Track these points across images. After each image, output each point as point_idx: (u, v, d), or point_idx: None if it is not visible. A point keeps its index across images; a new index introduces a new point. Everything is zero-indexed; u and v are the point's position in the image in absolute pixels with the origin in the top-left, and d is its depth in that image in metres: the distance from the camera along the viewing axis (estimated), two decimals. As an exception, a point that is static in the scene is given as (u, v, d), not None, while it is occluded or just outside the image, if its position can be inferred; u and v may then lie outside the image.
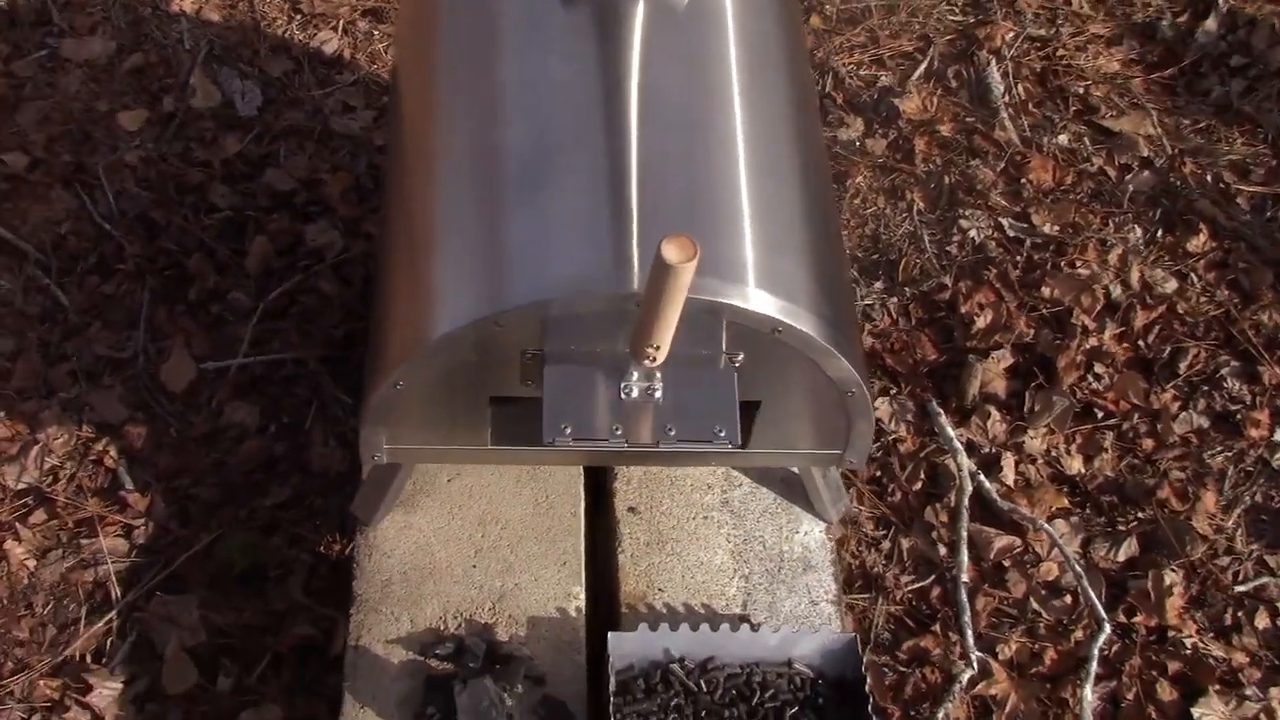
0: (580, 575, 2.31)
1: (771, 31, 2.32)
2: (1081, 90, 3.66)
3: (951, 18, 3.83)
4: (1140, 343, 3.15)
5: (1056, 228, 3.34)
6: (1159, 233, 3.36)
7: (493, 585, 2.30)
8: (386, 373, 2.00)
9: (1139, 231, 3.36)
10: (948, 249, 3.31)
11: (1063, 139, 3.54)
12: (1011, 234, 3.34)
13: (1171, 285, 3.25)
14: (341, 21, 3.59)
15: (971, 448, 2.95)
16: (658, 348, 1.76)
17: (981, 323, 3.14)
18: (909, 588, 2.77)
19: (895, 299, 3.22)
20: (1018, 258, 3.28)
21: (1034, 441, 2.98)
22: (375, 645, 2.21)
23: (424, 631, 2.24)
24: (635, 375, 1.89)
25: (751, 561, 2.38)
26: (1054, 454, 2.98)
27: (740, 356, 1.98)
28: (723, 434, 1.87)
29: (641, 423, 1.88)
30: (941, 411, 2.95)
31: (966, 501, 2.82)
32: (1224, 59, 3.76)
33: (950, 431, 2.91)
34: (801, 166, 2.19)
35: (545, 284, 1.89)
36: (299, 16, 3.58)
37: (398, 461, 2.20)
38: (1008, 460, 2.95)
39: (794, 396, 2.09)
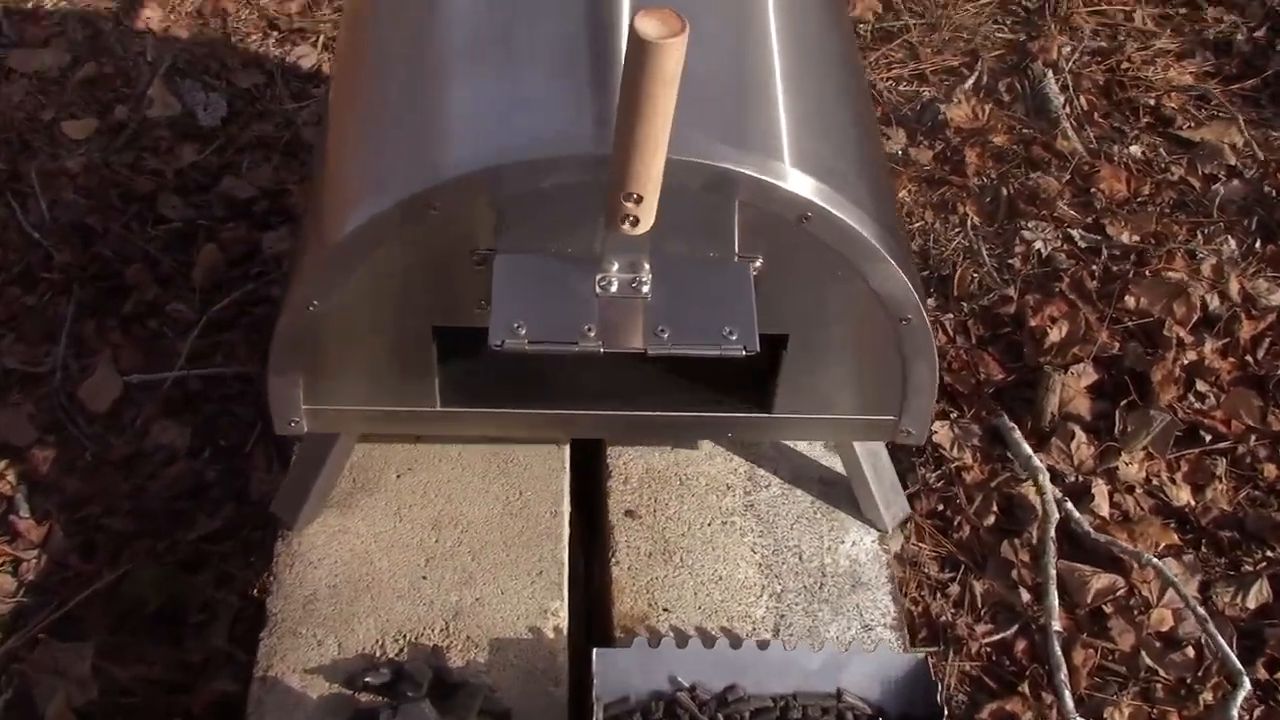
0: (561, 588, 1.78)
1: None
2: (1152, 101, 3.24)
3: (1000, 34, 3.44)
4: (1249, 357, 2.63)
5: (1136, 237, 2.87)
6: (1257, 243, 2.89)
7: (446, 600, 1.77)
8: (296, 290, 1.53)
9: (1233, 242, 2.88)
10: (1009, 262, 2.83)
11: (1135, 150, 3.10)
12: (1084, 244, 2.86)
13: (1278, 297, 2.74)
14: (321, 36, 3.24)
15: (1054, 476, 2.41)
16: (638, 200, 1.28)
17: (1056, 336, 2.63)
18: (987, 640, 2.21)
19: (951, 315, 2.73)
20: (1093, 268, 2.79)
21: (1130, 468, 2.44)
22: (289, 676, 1.68)
23: (355, 658, 1.72)
24: (615, 265, 1.41)
25: (785, 576, 1.84)
26: (1155, 482, 2.44)
27: (758, 261, 1.49)
28: (734, 336, 1.38)
29: (623, 321, 1.39)
30: (1015, 427, 2.43)
31: (1053, 533, 2.28)
32: (1312, 71, 3.33)
33: (1028, 449, 2.38)
34: (841, 63, 1.75)
35: (495, 149, 1.43)
36: (276, 32, 3.25)
37: (323, 430, 1.71)
38: (1099, 489, 2.41)
39: (831, 328, 1.60)
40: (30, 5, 3.19)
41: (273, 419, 1.68)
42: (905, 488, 2.38)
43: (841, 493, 1.95)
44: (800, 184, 1.46)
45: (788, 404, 1.70)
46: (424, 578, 1.80)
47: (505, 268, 1.43)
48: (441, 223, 1.46)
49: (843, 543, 1.89)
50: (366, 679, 1.66)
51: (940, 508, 2.41)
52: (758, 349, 1.39)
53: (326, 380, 1.64)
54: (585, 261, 1.42)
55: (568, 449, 1.96)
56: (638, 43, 1.14)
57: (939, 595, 2.27)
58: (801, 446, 2.01)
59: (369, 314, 1.56)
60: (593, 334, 1.37)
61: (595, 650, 1.60)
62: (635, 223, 1.31)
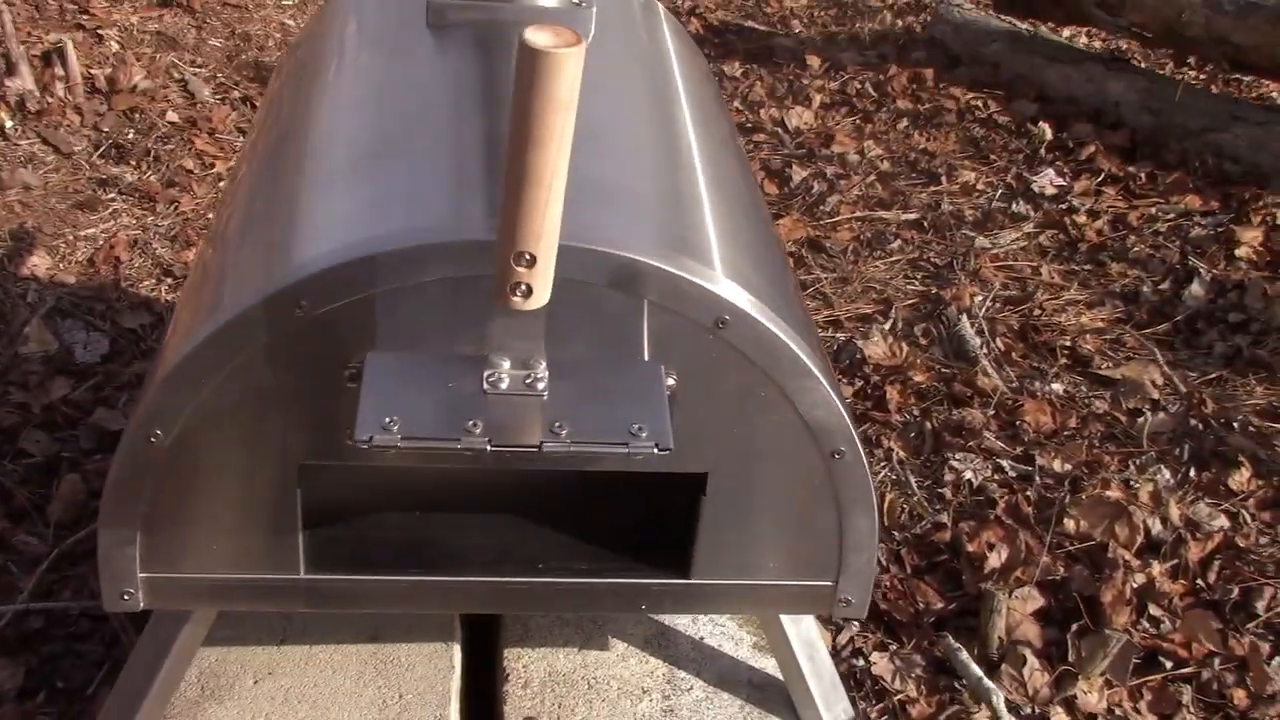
0: (443, 805, 1.47)
1: (679, 73, 1.86)
2: (1068, 343, 3.21)
3: (911, 286, 3.43)
4: (1199, 581, 2.46)
5: (1068, 465, 2.75)
6: (1191, 470, 2.77)
7: (303, 821, 1.45)
8: (136, 418, 1.31)
9: (1167, 471, 2.76)
10: (939, 492, 2.68)
11: (1057, 386, 3.03)
12: (1014, 473, 2.73)
13: (1221, 522, 2.61)
14: (217, 281, 3.11)
15: (1008, 707, 2.17)
16: (530, 261, 1.12)
17: (995, 561, 2.45)
18: None
19: (882, 545, 2.54)
20: (1028, 494, 2.64)
21: (1089, 696, 2.21)
22: None
23: None
24: (506, 361, 1.22)
25: (711, 791, 1.56)
26: (1119, 712, 2.20)
27: (671, 379, 1.32)
28: (644, 433, 1.18)
29: (515, 417, 1.19)
30: (962, 648, 2.20)
31: (1014, 766, 2.01)
32: (1219, 317, 3.35)
33: (978, 670, 2.14)
34: (752, 192, 1.65)
35: (369, 239, 1.27)
36: (170, 279, 3.12)
37: (163, 605, 1.45)
38: (1059, 719, 2.16)
39: (754, 466, 1.41)
40: (-91, 250, 3.05)
41: (102, 590, 1.42)
42: (844, 723, 2.12)
43: (775, 696, 1.69)
44: (717, 284, 1.31)
45: (708, 567, 1.47)
46: (277, 796, 1.48)
47: (378, 364, 1.24)
48: (309, 327, 1.27)
49: (779, 750, 1.62)
50: None
51: (886, 746, 2.13)
52: (671, 447, 1.19)
53: (169, 540, 1.39)
54: (473, 359, 1.23)
55: (457, 649, 1.69)
56: (529, 56, 1.01)
57: (892, 843, 1.97)
58: (727, 646, 1.76)
59: (221, 450, 1.34)
60: (479, 430, 1.17)
61: None
62: (528, 294, 1.14)
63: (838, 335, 3.20)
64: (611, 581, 1.49)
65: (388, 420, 1.16)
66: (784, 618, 1.62)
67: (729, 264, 1.37)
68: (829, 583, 1.50)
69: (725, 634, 1.78)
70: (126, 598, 1.42)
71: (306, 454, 1.36)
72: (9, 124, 3.52)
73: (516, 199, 1.08)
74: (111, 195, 3.39)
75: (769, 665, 1.71)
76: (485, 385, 1.21)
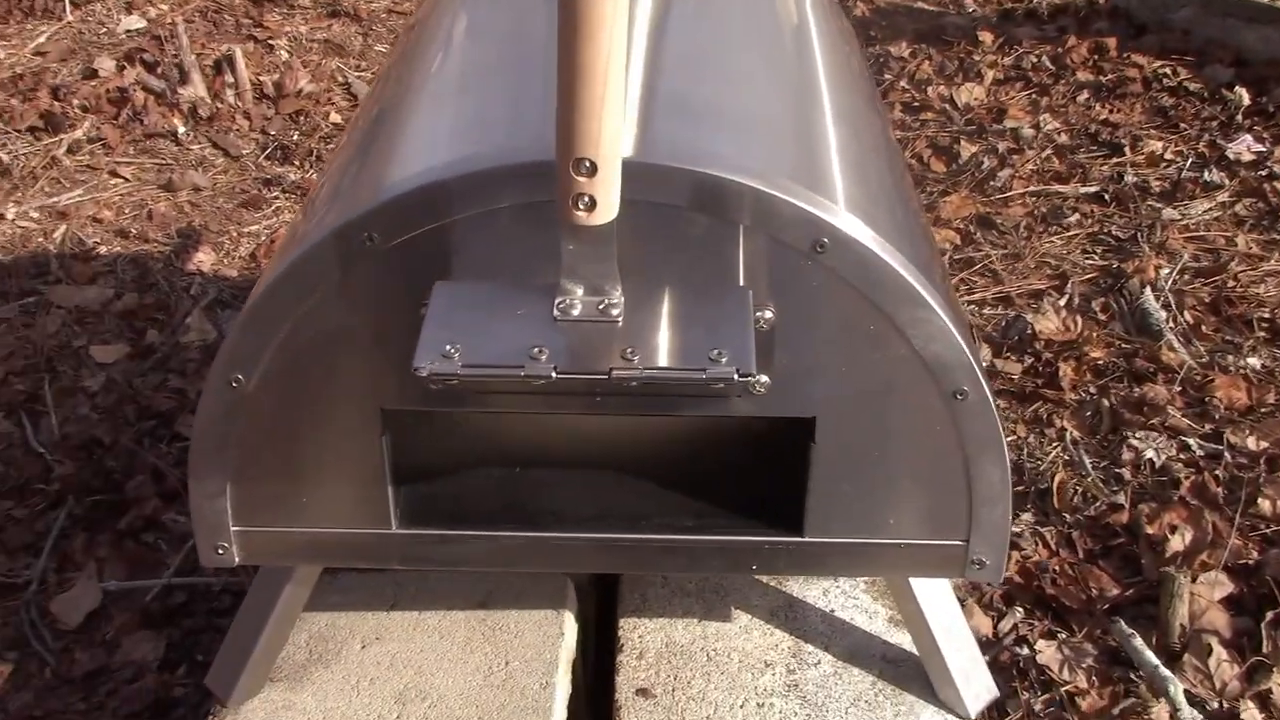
0: (544, 771, 1.39)
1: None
2: (1268, 315, 2.92)
3: (1089, 261, 3.21)
4: None
5: (1264, 444, 2.49)
6: None
7: (400, 786, 1.39)
8: (218, 363, 1.28)
9: (1387, 452, 2.48)
10: (1117, 472, 2.46)
11: (1254, 361, 2.76)
12: (1202, 453, 2.49)
13: None
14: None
15: (1192, 701, 1.96)
16: (590, 170, 1.03)
17: (1179, 544, 2.24)
18: None
19: (1052, 528, 2.35)
20: (1217, 473, 2.41)
21: (1287, 690, 1.97)
22: None
23: None
24: (578, 287, 1.14)
25: (836, 770, 1.43)
26: (1322, 709, 1.96)
27: (768, 312, 1.21)
28: (724, 357, 1.07)
29: (584, 344, 1.10)
30: (1135, 634, 2.00)
31: (1195, 763, 1.81)
32: None
33: (1154, 658, 1.94)
34: (859, 111, 1.52)
35: (438, 166, 1.21)
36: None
37: (257, 560, 1.41)
38: (1250, 715, 1.94)
39: (867, 410, 1.28)
40: (87, 248, 3.17)
41: (197, 544, 1.39)
42: (1004, 715, 1.95)
43: (910, 672, 1.55)
44: (814, 204, 1.19)
45: (823, 524, 1.35)
46: (376, 760, 1.43)
47: (444, 292, 1.17)
48: (381, 261, 1.21)
49: (913, 730, 1.48)
50: None
51: (1051, 739, 1.95)
52: (753, 372, 1.08)
53: (259, 492, 1.36)
54: (545, 287, 1.15)
55: (568, 616, 1.61)
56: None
57: (1056, 843, 1.79)
58: (860, 620, 1.63)
59: (303, 394, 1.30)
60: (544, 357, 1.08)
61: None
62: (590, 206, 1.05)
63: (1007, 311, 3.01)
64: (719, 539, 1.38)
65: (448, 348, 1.09)
66: (916, 586, 1.49)
67: (833, 184, 1.26)
68: (959, 541, 1.36)
69: (858, 607, 1.65)
70: (221, 552, 1.39)
71: (389, 398, 1.30)
72: (182, 129, 3.65)
73: (569, 99, 0.99)
74: (275, 194, 3.46)
75: (905, 640, 1.58)
76: (555, 312, 1.13)
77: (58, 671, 2.07)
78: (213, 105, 3.74)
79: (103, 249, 3.20)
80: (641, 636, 1.60)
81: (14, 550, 2.31)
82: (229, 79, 3.80)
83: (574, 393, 1.25)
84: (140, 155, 3.60)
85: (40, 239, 3.21)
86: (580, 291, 1.14)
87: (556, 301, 1.13)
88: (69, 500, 2.40)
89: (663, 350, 1.10)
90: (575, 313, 1.13)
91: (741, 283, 1.21)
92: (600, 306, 1.13)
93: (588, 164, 1.03)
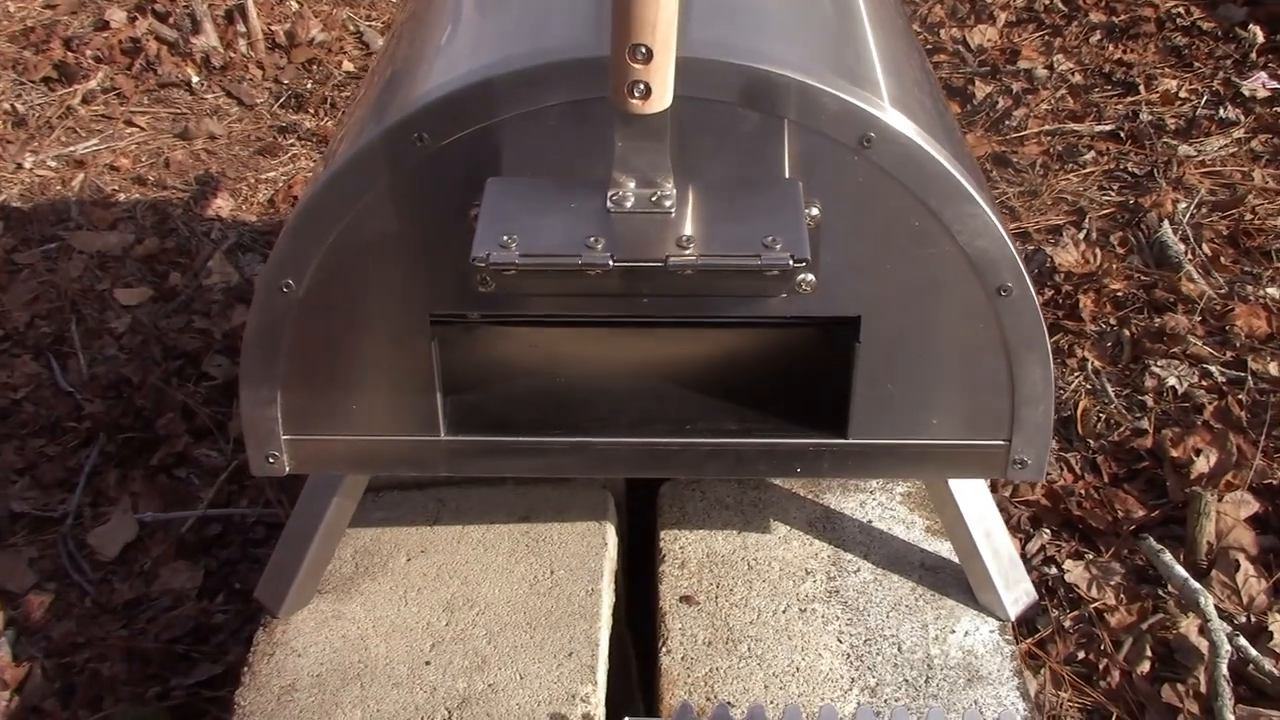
0: (594, 671, 1.42)
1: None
2: (1286, 246, 2.93)
3: (1105, 196, 3.21)
4: None
5: (1286, 369, 2.50)
6: None
7: (452, 688, 1.41)
8: (268, 267, 1.29)
9: (1404, 375, 2.49)
10: (1139, 399, 2.48)
11: (1273, 290, 2.77)
12: (1224, 379, 2.50)
13: None
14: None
15: (1220, 615, 1.98)
16: (646, 55, 1.04)
17: (1204, 465, 2.25)
18: (1153, 801, 1.73)
19: (1076, 455, 2.36)
20: (1240, 398, 2.42)
21: (1314, 603, 2.00)
22: (250, 775, 1.33)
23: (332, 754, 1.35)
24: (631, 179, 1.15)
25: (880, 669, 1.45)
26: (1349, 621, 1.98)
27: (814, 210, 1.22)
28: (778, 245, 1.08)
29: (639, 234, 1.11)
30: (1165, 550, 2.02)
31: (1225, 671, 1.83)
32: None
33: (1183, 572, 1.96)
34: (918, 51, 1.53)
35: (487, 64, 1.22)
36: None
37: (307, 469, 1.43)
38: (1278, 627, 1.96)
39: (911, 308, 1.30)
40: (105, 195, 3.17)
41: (248, 454, 1.41)
42: (1035, 631, 1.98)
43: (949, 578, 1.57)
44: (862, 99, 1.20)
45: (867, 425, 1.37)
46: (427, 663, 1.45)
47: (498, 188, 1.18)
48: (431, 163, 1.22)
49: (953, 632, 1.50)
50: (340, 773, 1.30)
51: (1081, 654, 1.98)
52: (807, 257, 1.09)
53: (309, 400, 1.37)
54: (597, 181, 1.16)
55: (610, 528, 1.63)
56: None
57: (1088, 752, 1.82)
58: (898, 530, 1.65)
59: (353, 300, 1.31)
60: (600, 246, 1.10)
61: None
62: (646, 94, 1.06)
63: (1026, 246, 3.02)
64: (763, 442, 1.40)
65: (505, 239, 1.10)
66: (957, 491, 1.50)
67: (876, 83, 1.27)
68: (1001, 441, 1.38)
69: (895, 517, 1.67)
70: (272, 460, 1.40)
71: (439, 304, 1.32)
72: (195, 79, 3.64)
73: (630, -16, 1.00)
74: (291, 141, 3.47)
75: (943, 549, 1.60)
76: (609, 204, 1.14)
77: (98, 600, 2.10)
78: (225, 55, 3.74)
79: (121, 196, 3.21)
80: (683, 547, 1.62)
81: (48, 486, 2.33)
82: (241, 28, 3.79)
83: (623, 294, 1.26)
84: (155, 105, 3.60)
85: (59, 187, 3.22)
86: (633, 184, 1.15)
87: (609, 194, 1.14)
88: (100, 438, 2.41)
89: (717, 239, 1.11)
90: (629, 204, 1.14)
91: (789, 177, 1.22)
92: (653, 198, 1.14)
93: (644, 50, 1.04)
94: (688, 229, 1.12)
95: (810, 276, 1.26)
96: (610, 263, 1.08)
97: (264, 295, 1.31)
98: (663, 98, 1.07)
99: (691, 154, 1.19)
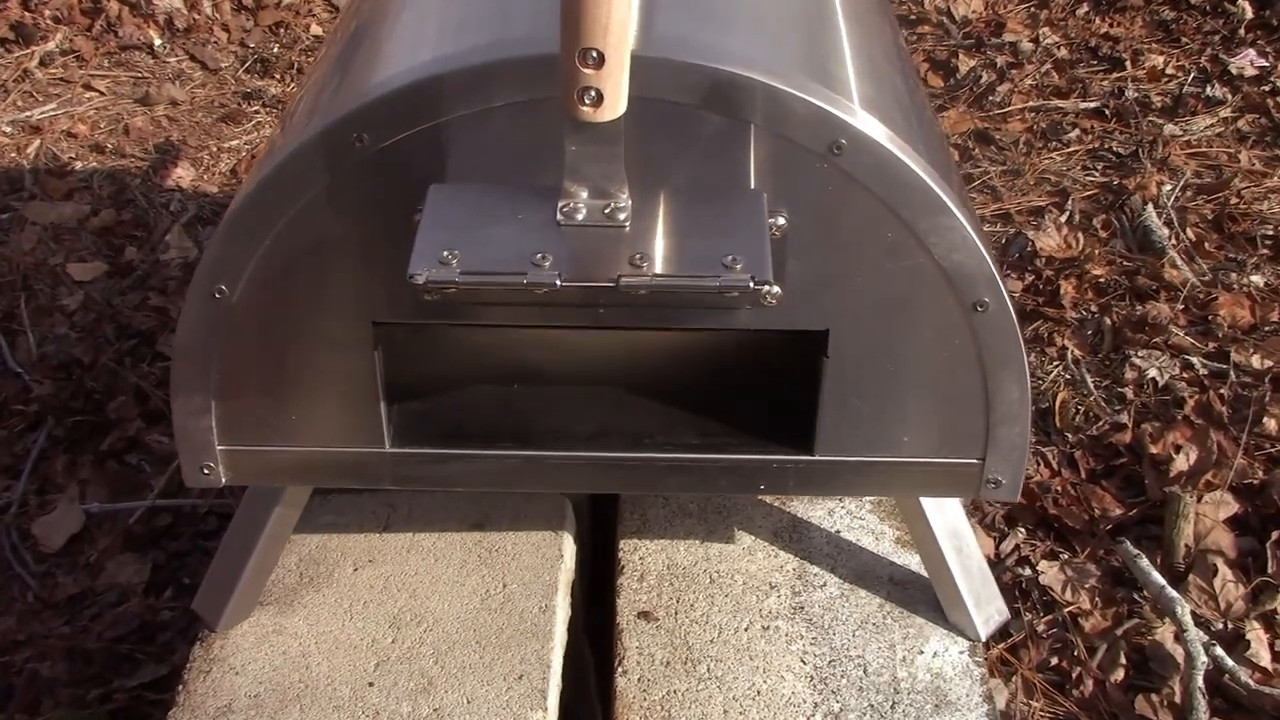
0: (545, 696, 1.35)
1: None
2: (1270, 233, 2.86)
3: (1089, 177, 3.14)
4: None
5: (1269, 362, 2.45)
6: None
7: (396, 711, 1.35)
8: (200, 269, 1.21)
9: (1390, 369, 2.44)
10: (1119, 391, 2.42)
11: (1257, 279, 2.71)
12: (1206, 371, 2.45)
13: None
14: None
15: (1197, 622, 1.93)
16: (597, 60, 0.96)
17: (1183, 463, 2.20)
18: (1124, 817, 1.69)
19: (1054, 449, 2.31)
20: (1221, 393, 2.37)
21: (1293, 611, 1.95)
22: (181, 804, 1.26)
23: (268, 782, 1.29)
24: (583, 190, 1.07)
25: (844, 692, 1.39)
26: (1327, 629, 1.93)
27: (781, 219, 1.15)
28: (739, 265, 1.01)
29: (590, 250, 1.04)
30: (1142, 555, 1.97)
31: (1201, 682, 1.78)
32: None
33: (1160, 578, 1.91)
34: (873, 19, 1.45)
35: (431, 62, 1.13)
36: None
37: (244, 481, 1.35)
38: (1256, 634, 1.93)
39: (883, 322, 1.22)
40: (62, 163, 3.07)
41: (181, 465, 1.33)
42: (1007, 636, 1.93)
43: (918, 594, 1.51)
44: (831, 102, 1.12)
45: (835, 442, 1.30)
46: (371, 685, 1.38)
47: (440, 195, 1.10)
48: (371, 165, 1.14)
49: (921, 653, 1.44)
50: (275, 805, 1.23)
51: (1053, 660, 1.93)
52: (769, 280, 1.02)
53: (246, 409, 1.30)
54: (547, 190, 1.08)
55: (567, 538, 1.56)
56: None
57: (1058, 763, 1.77)
58: (866, 541, 1.59)
59: (291, 307, 1.23)
60: (548, 264, 1.02)
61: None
62: (597, 101, 0.98)
63: (1007, 228, 2.95)
64: (726, 458, 1.33)
65: (446, 254, 1.02)
66: (927, 505, 1.44)
67: (848, 85, 1.19)
68: (975, 460, 1.31)
69: (864, 528, 1.60)
70: (206, 472, 1.33)
71: (382, 311, 1.24)
72: (158, 42, 3.53)
73: (578, -17, 0.92)
74: (255, 108, 3.36)
75: (912, 562, 1.54)
76: (559, 216, 1.06)
77: (40, 595, 2.03)
78: (189, 17, 3.62)
79: (78, 164, 3.11)
80: (643, 558, 1.56)
81: (-8, 473, 2.25)
82: (205, -11, 3.67)
83: (576, 304, 1.19)
84: (115, 68, 3.49)
85: (14, 154, 3.11)
86: (585, 194, 1.07)
87: (559, 205, 1.07)
88: (48, 421, 2.34)
89: (673, 257, 1.04)
90: (580, 217, 1.06)
91: (754, 187, 1.15)
92: (606, 210, 1.06)
93: (595, 54, 0.96)
94: (643, 245, 1.04)
95: (775, 288, 1.19)
96: (558, 283, 1.01)
97: (195, 301, 1.23)
98: (616, 105, 0.99)
99: (649, 159, 1.11)
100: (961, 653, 1.45)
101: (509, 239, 1.04)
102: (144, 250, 2.80)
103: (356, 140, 1.14)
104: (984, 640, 1.48)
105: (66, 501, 2.18)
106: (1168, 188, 3.04)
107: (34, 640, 1.94)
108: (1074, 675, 1.89)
